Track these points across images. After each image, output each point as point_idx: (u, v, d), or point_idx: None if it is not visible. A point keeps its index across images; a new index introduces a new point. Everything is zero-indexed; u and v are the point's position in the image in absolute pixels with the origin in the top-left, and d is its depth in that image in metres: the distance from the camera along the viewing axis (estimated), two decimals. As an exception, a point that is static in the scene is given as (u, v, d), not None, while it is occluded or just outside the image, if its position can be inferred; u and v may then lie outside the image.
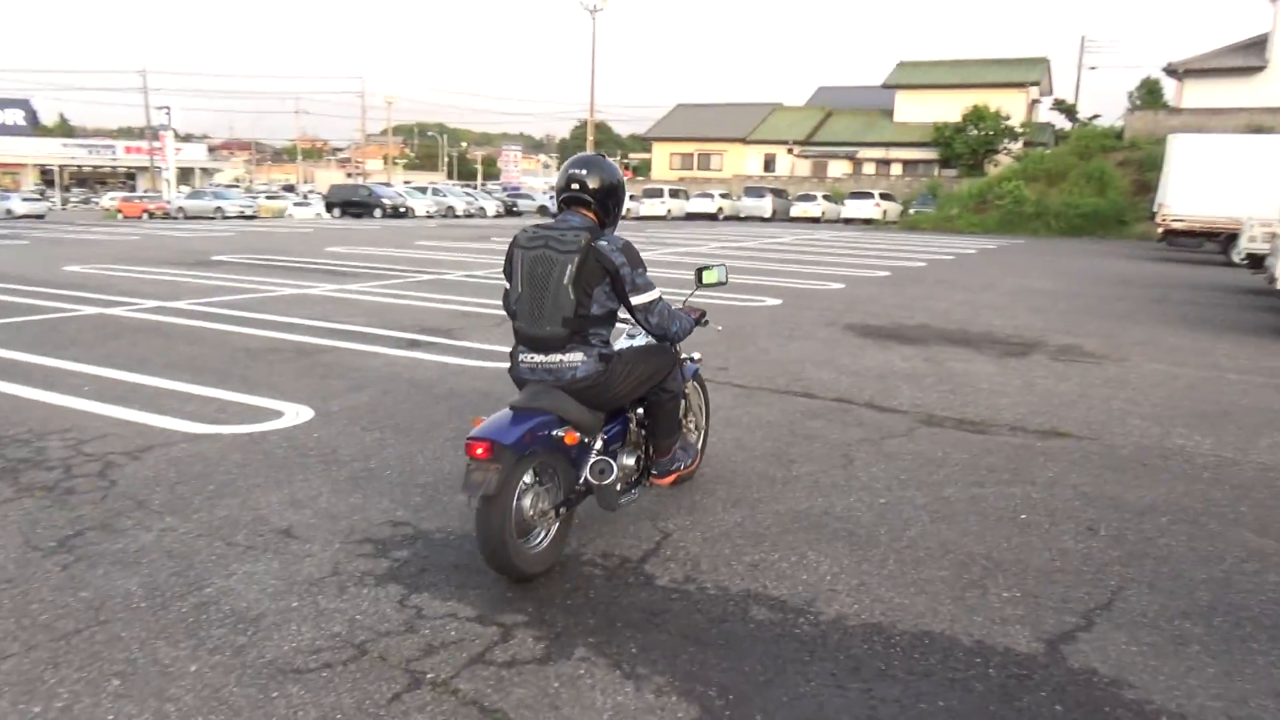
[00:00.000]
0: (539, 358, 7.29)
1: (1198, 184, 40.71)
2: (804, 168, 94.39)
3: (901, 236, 54.30)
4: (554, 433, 7.06)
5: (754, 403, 11.68)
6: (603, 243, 7.18)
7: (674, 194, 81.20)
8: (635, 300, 7.32)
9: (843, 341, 16.10)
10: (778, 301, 21.41)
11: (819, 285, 25.19)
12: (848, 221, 71.99)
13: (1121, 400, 12.42)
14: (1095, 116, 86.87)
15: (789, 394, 12.19)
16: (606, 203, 7.40)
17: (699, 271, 8.44)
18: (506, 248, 8.02)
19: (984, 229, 62.14)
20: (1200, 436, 10.89)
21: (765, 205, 77.08)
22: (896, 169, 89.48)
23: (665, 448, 8.04)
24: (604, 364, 7.35)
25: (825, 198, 76.87)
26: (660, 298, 7.48)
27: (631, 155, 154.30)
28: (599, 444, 7.47)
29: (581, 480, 7.33)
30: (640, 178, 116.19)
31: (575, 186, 7.35)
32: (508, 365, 8.31)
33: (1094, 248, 47.90)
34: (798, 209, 74.52)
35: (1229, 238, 39.91)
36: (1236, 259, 34.20)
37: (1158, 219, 41.61)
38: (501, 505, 6.80)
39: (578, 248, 7.10)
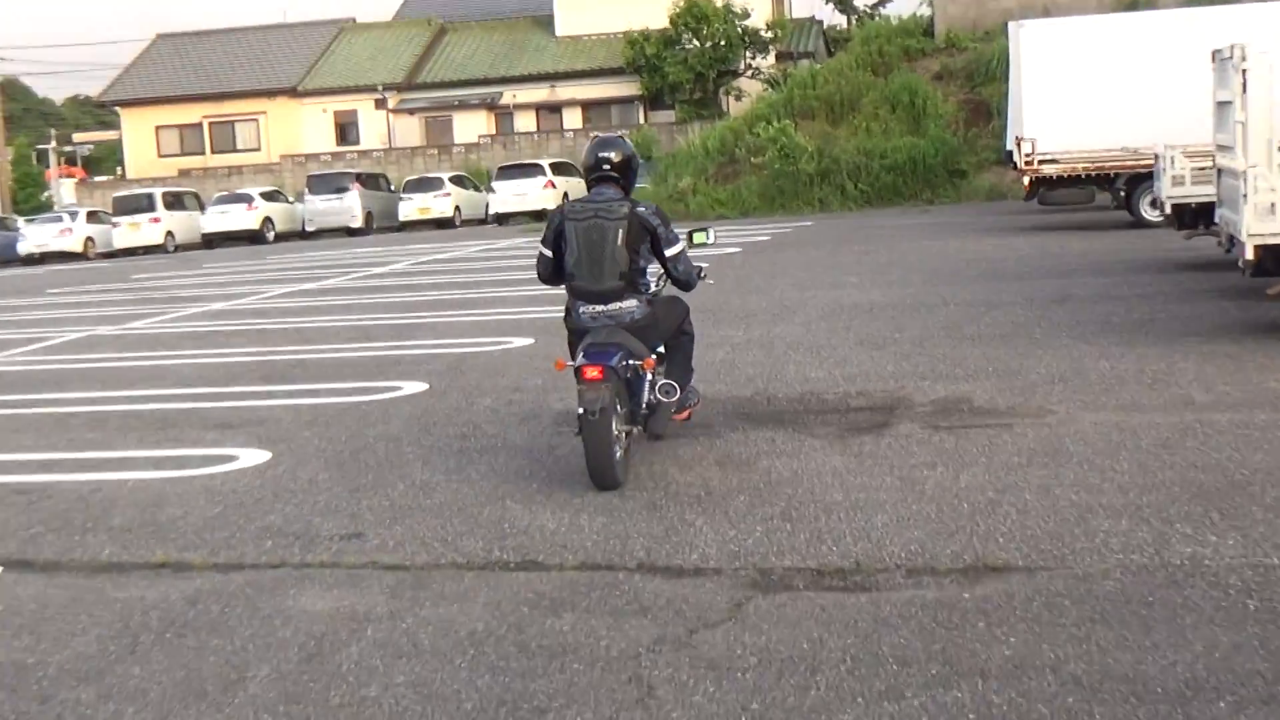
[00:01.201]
0: (600, 307, 9.37)
1: (1070, 101, 27.89)
2: (411, 130, 65.60)
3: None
4: (632, 361, 9.22)
5: (431, 598, 6.86)
6: (641, 209, 9.41)
7: (172, 203, 53.02)
8: (668, 253, 9.52)
9: (562, 449, 10.35)
10: (422, 387, 13.87)
11: (487, 346, 16.72)
12: (500, 221, 51.78)
13: (1067, 488, 8.13)
14: (882, 2, 71.30)
15: (497, 568, 7.33)
16: (628, 174, 9.61)
17: (689, 234, 10.50)
18: (550, 219, 9.59)
19: (741, 208, 43.71)
20: (1214, 534, 6.96)
21: (350, 208, 52.86)
22: (573, 118, 64.55)
23: (684, 383, 9.96)
24: (651, 307, 9.58)
25: (459, 181, 54.97)
26: (684, 248, 9.77)
27: (79, 138, 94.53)
28: (649, 375, 9.50)
29: (645, 403, 9.49)
30: (101, 177, 76.99)
31: (606, 166, 9.52)
32: (565, 319, 9.63)
33: (926, 222, 34.60)
34: (404, 208, 52.22)
35: (1131, 180, 28.15)
36: (1150, 213, 26.76)
37: (1017, 163, 28.75)
38: (608, 419, 8.75)
39: (624, 215, 9.29)
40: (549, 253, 9.48)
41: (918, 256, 24.95)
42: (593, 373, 8.76)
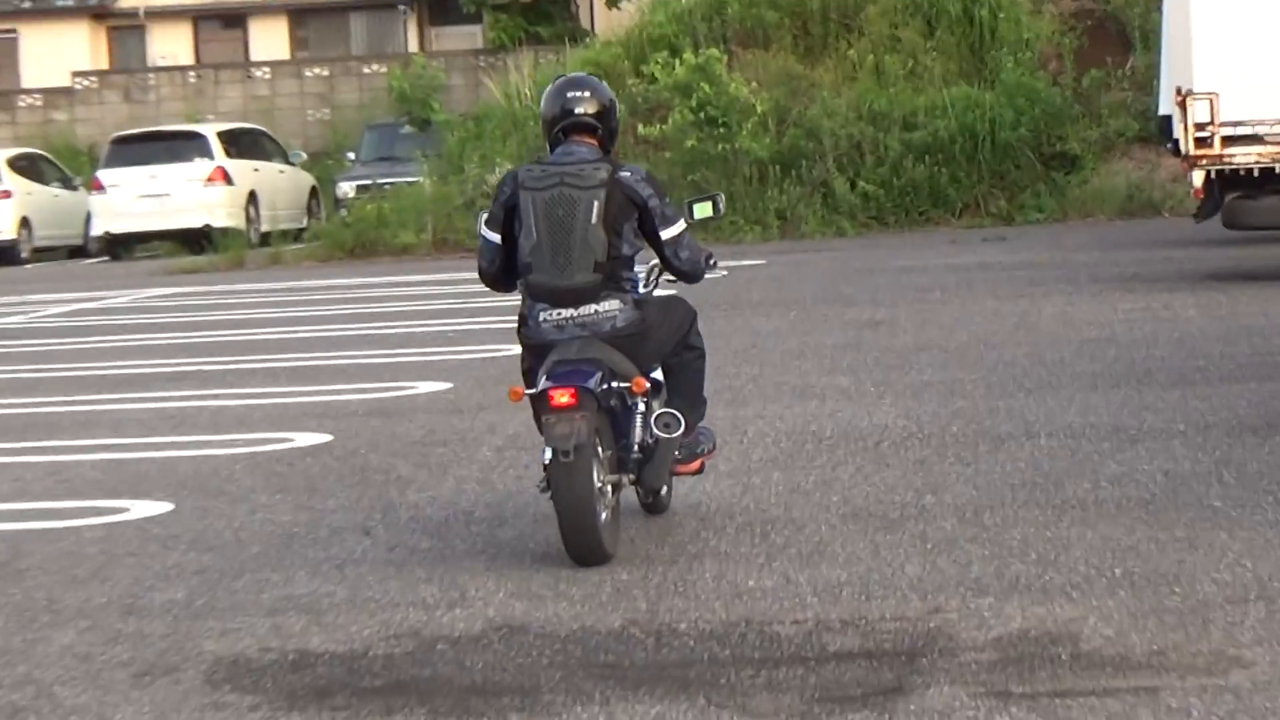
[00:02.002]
0: (569, 312, 7.43)
1: None
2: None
3: (317, 284, 24.21)
4: (616, 384, 7.30)
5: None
6: (625, 174, 7.51)
7: None
8: (666, 234, 7.61)
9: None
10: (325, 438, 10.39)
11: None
12: (115, 250, 33.00)
13: None
14: None
15: None
16: (610, 125, 7.69)
17: (689, 205, 8.30)
18: (499, 188, 7.74)
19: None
20: None
21: None
22: (270, 38, 42.40)
23: (692, 422, 7.84)
24: (639, 310, 7.56)
25: (27, 169, 33.62)
26: (687, 228, 7.81)
27: None
28: (641, 404, 7.57)
29: (637, 443, 7.49)
30: None
31: (578, 111, 7.61)
32: (518, 331, 7.69)
33: (996, 260, 20.40)
34: None
35: None
36: None
37: (1180, 143, 15.99)
38: (586, 463, 7.00)
39: (600, 182, 7.38)
40: (496, 237, 7.58)
41: (976, 333, 14.10)
42: (562, 397, 7.08)
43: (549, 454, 6.97)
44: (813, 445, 9.61)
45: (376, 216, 27.77)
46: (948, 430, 9.76)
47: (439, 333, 16.45)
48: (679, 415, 7.46)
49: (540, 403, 7.11)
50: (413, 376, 13.36)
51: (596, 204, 7.27)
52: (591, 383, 7.10)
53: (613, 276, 7.43)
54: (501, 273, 7.64)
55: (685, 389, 7.86)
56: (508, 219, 7.46)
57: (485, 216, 7.69)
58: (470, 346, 14.99)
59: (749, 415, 10.66)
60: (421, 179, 28.71)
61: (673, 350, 7.78)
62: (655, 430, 7.39)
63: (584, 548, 7.03)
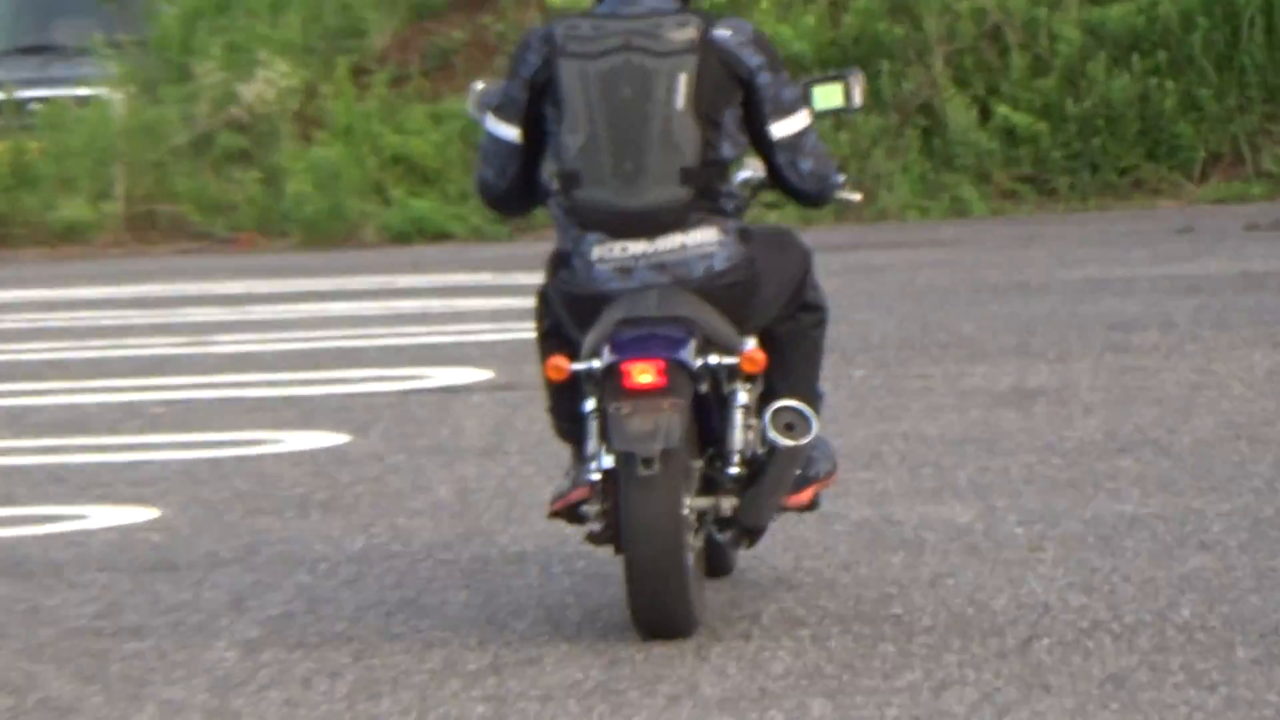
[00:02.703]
0: (640, 246, 5.16)
1: None
2: None
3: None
4: (718, 360, 5.00)
5: None
6: (723, 32, 5.20)
7: None
8: (780, 130, 5.28)
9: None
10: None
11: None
12: None
13: None
14: None
15: None
16: None
17: (807, 88, 5.77)
18: (519, 55, 5.38)
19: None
20: None
21: None
22: None
23: (810, 419, 5.35)
24: (746, 246, 5.27)
25: None
26: (812, 121, 5.44)
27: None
28: (743, 395, 5.17)
29: (736, 453, 5.06)
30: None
31: None
32: (548, 278, 5.44)
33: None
34: None
35: None
36: None
37: None
38: (677, 479, 4.82)
39: (688, 44, 5.13)
40: (514, 133, 5.39)
41: (1231, 419, 7.99)
42: (644, 374, 4.97)
43: (608, 462, 4.98)
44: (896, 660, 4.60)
45: (12, 169, 17.12)
46: (1181, 620, 4.83)
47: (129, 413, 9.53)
48: (808, 412, 5.21)
49: (607, 383, 5.00)
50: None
51: (684, 78, 5.21)
52: (685, 353, 5.03)
53: (708, 192, 5.30)
54: (517, 189, 5.50)
55: (800, 371, 5.53)
56: (534, 102, 5.33)
57: (494, 100, 5.54)
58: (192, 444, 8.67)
59: (756, 603, 5.45)
60: (105, 92, 17.57)
61: (785, 310, 5.52)
62: (771, 435, 5.12)
63: (664, 610, 4.91)
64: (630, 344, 5.03)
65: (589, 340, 5.16)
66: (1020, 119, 15.58)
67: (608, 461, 4.95)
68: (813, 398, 5.46)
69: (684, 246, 5.23)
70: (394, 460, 7.80)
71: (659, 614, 4.92)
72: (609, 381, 5.00)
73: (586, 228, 5.27)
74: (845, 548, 6.12)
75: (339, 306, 13.03)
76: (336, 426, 8.70)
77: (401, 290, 14.11)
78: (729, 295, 5.26)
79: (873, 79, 14.66)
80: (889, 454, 7.56)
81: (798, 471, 5.36)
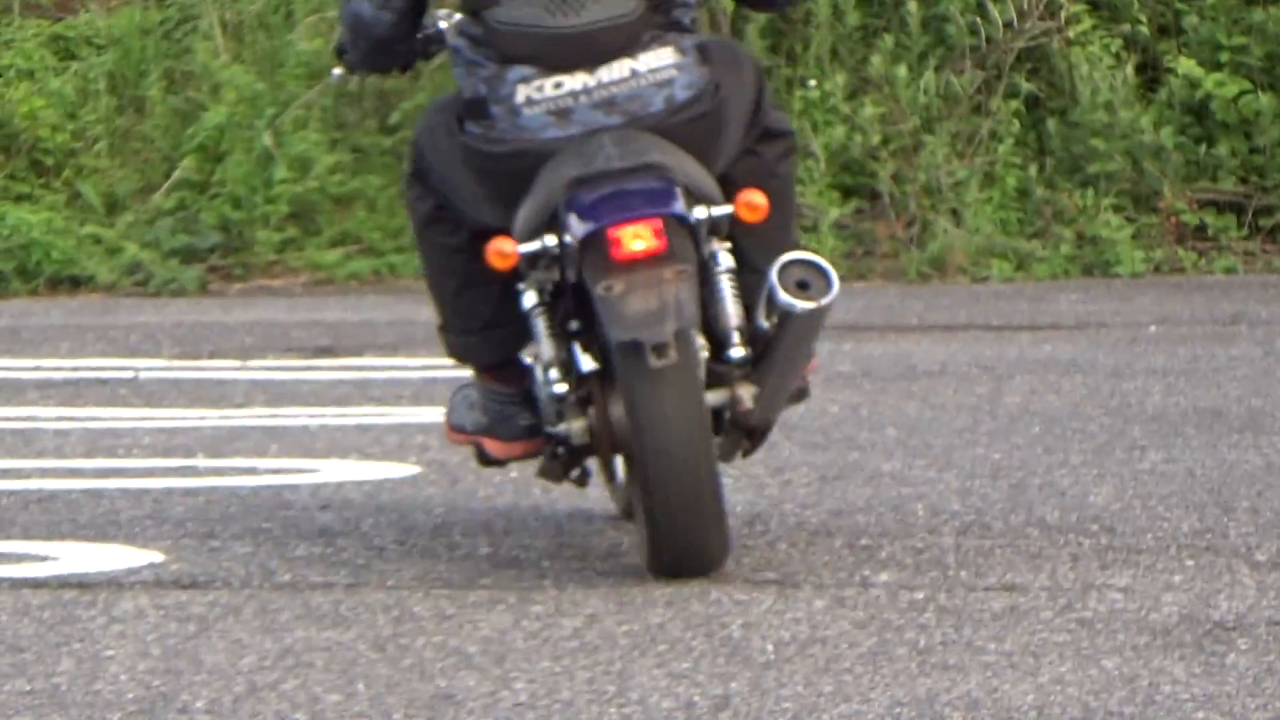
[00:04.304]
0: (581, 79, 4.39)
1: None
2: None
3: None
4: (711, 212, 4.32)
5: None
6: None
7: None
8: None
9: None
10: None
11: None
12: None
13: None
14: None
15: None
16: None
17: None
18: None
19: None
20: None
21: None
22: None
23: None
24: (707, 65, 4.53)
25: None
26: None
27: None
28: (724, 256, 4.44)
29: (734, 328, 4.36)
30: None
31: None
32: (438, 142, 4.68)
33: None
34: None
35: None
36: None
37: None
38: (694, 368, 4.20)
39: None
40: None
41: None
42: (637, 239, 4.23)
43: (587, 364, 4.47)
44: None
45: None
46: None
47: None
48: (824, 265, 4.55)
49: (586, 258, 4.32)
50: None
51: None
52: (678, 206, 4.35)
53: (664, 3, 4.59)
54: (404, 23, 4.73)
55: (773, 220, 4.64)
56: None
57: None
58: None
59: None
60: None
61: (744, 143, 4.77)
62: (783, 298, 4.40)
63: (697, 539, 4.33)
64: (603, 204, 4.31)
65: (527, 211, 4.42)
66: (1218, 83, 11.76)
67: (587, 363, 4.39)
68: (794, 240, 4.82)
69: (635, 74, 4.48)
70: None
71: (691, 544, 4.29)
72: (589, 256, 4.30)
73: (507, 61, 4.48)
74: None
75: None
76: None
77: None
78: (694, 131, 4.51)
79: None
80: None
81: (818, 332, 4.63)
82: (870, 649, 3.80)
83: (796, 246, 4.71)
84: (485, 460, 4.95)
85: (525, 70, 4.42)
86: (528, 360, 4.65)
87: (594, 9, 4.41)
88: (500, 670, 3.67)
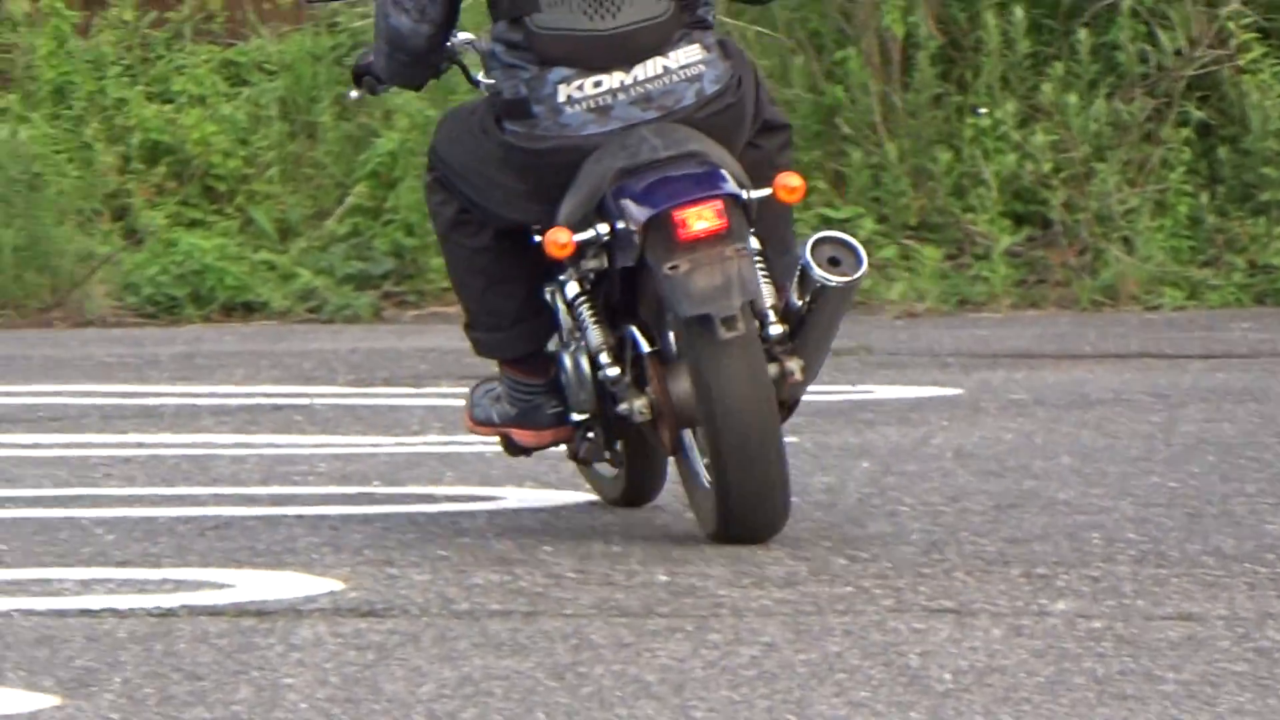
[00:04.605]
0: (619, 77, 4.72)
1: None
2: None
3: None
4: (748, 192, 4.63)
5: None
6: None
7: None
8: None
9: None
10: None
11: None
12: None
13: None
14: None
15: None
16: None
17: None
18: None
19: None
20: None
21: None
22: None
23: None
24: (730, 60, 4.90)
25: None
26: None
27: None
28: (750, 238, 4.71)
29: (768, 306, 4.66)
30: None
31: None
32: (481, 135, 4.95)
33: None
34: None
35: None
36: None
37: None
38: (756, 338, 4.53)
39: None
40: None
41: None
42: (702, 219, 4.48)
43: (695, 319, 4.52)
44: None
45: None
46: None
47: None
48: (851, 241, 4.89)
49: (650, 240, 4.56)
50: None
51: None
52: (732, 187, 4.63)
53: (690, 2, 4.89)
54: (440, 36, 5.03)
55: (774, 212, 5.05)
56: None
57: None
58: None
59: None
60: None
61: (749, 135, 5.10)
62: (817, 273, 4.70)
63: (770, 503, 4.65)
64: (657, 190, 4.61)
65: (573, 203, 4.70)
66: None
67: (639, 344, 4.70)
68: (791, 248, 5.00)
69: (667, 71, 4.81)
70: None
71: (763, 509, 4.62)
72: (653, 238, 4.55)
73: (547, 63, 4.78)
74: None
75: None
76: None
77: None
78: (722, 121, 4.85)
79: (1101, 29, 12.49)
80: None
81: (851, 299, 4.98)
82: (1048, 678, 3.85)
83: (792, 245, 5.03)
84: (513, 449, 5.31)
85: (565, 71, 4.73)
86: (553, 350, 5.04)
87: (629, 11, 4.71)
88: (679, 699, 3.70)
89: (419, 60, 5.04)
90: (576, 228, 4.62)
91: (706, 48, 4.85)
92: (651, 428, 4.81)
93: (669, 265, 4.47)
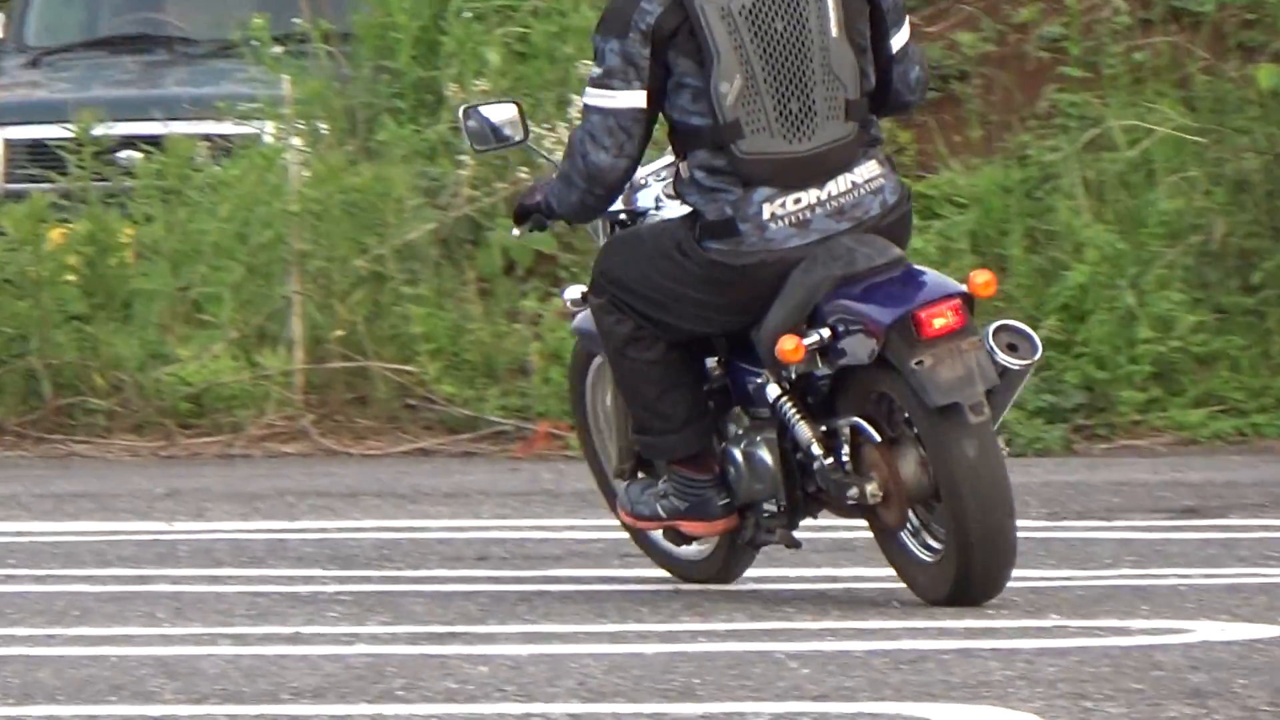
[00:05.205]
0: (814, 193, 5.22)
1: None
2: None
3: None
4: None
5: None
6: None
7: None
8: (899, 41, 5.42)
9: None
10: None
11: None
12: None
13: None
14: None
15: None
16: None
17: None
18: (626, 8, 5.10)
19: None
20: None
21: None
22: None
23: None
24: (896, 172, 5.58)
25: None
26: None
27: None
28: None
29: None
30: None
31: None
32: (679, 256, 5.27)
33: None
34: None
35: None
36: None
37: None
38: (990, 419, 5.12)
39: None
40: (639, 97, 5.14)
41: None
42: (942, 318, 4.99)
43: (948, 408, 4.93)
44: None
45: (87, 283, 11.04)
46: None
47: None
48: (1027, 330, 5.47)
49: (892, 338, 4.99)
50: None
51: (831, 2, 5.22)
52: (963, 289, 5.24)
53: (866, 123, 5.40)
54: (633, 169, 5.42)
55: None
56: (658, 55, 5.11)
57: (602, 65, 5.20)
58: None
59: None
60: (269, 132, 11.19)
61: None
62: (1001, 358, 5.22)
63: (1004, 568, 5.27)
64: (889, 292, 5.12)
65: (785, 311, 5.12)
66: None
67: (874, 434, 5.11)
68: None
69: (854, 186, 5.32)
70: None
71: (998, 572, 5.22)
72: (896, 337, 4.98)
73: (751, 184, 5.21)
74: None
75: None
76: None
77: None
78: (899, 227, 5.45)
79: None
80: None
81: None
82: None
83: None
84: (679, 539, 5.76)
85: (768, 190, 5.21)
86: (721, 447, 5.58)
87: (821, 134, 5.21)
88: None
89: (614, 194, 5.52)
90: (806, 330, 5.14)
91: (881, 163, 5.44)
92: (871, 510, 5.31)
93: (915, 360, 4.95)
